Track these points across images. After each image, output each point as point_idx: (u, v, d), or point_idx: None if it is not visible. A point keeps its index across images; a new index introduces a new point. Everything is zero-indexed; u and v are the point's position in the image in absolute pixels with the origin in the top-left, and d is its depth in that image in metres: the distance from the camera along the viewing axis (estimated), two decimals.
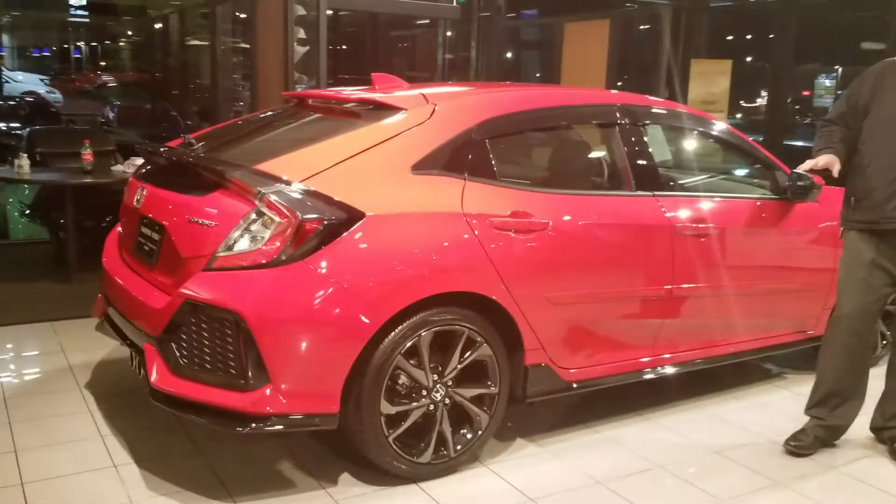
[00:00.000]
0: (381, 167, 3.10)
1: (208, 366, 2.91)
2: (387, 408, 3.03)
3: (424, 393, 3.12)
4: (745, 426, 3.83)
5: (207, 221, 2.96)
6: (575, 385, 3.51)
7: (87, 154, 5.63)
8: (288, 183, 2.92)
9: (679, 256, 3.66)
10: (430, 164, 3.16)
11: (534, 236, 3.26)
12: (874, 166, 3.38)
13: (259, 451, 3.36)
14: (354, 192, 2.96)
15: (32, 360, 4.32)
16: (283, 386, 2.84)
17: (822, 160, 3.44)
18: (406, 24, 8.55)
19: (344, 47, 11.59)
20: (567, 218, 3.36)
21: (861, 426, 3.66)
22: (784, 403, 4.13)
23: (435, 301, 3.05)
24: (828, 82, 14.83)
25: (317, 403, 2.92)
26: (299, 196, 2.89)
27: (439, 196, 3.14)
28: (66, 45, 24.32)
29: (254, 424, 2.85)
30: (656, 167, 3.77)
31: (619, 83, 7.74)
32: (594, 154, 3.74)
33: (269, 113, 4.01)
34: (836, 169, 3.45)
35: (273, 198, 2.86)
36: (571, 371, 3.48)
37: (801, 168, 3.59)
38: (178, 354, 2.96)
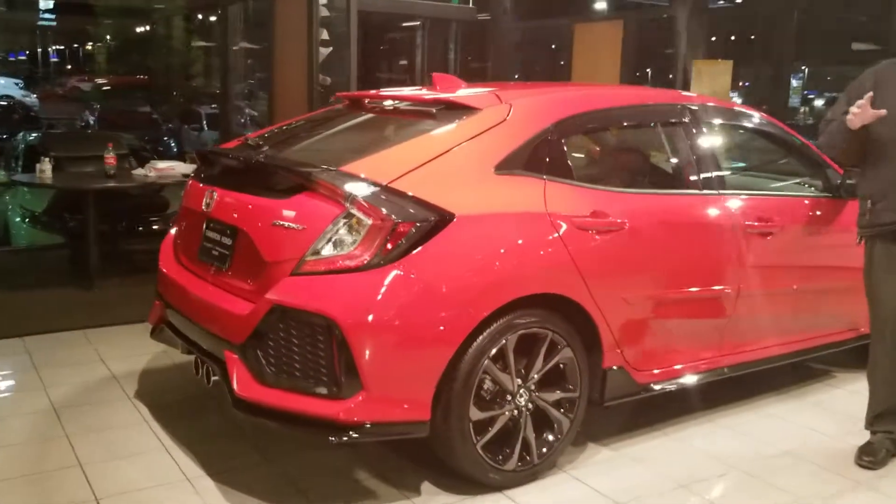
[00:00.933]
0: (466, 167, 3.04)
1: (297, 373, 2.82)
2: (475, 414, 2.97)
3: (509, 398, 3.06)
4: (807, 425, 3.82)
5: (293, 224, 2.88)
6: (648, 387, 3.48)
7: (111, 158, 5.48)
8: (376, 184, 2.85)
9: (746, 255, 3.66)
10: (511, 163, 3.11)
11: (612, 236, 3.23)
12: (886, 167, 3.28)
13: (332, 460, 3.28)
14: (442, 193, 2.90)
15: (74, 371, 4.18)
16: (376, 393, 2.76)
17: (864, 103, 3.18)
18: (414, 26, 8.51)
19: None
20: (641, 217, 3.33)
21: None
22: (838, 402, 4.14)
23: (521, 303, 3.00)
24: (795, 82, 15.12)
25: (409, 411, 2.85)
26: (390, 198, 2.83)
27: (523, 196, 3.09)
28: (46, 48, 23.89)
29: (350, 433, 2.77)
30: (721, 166, 3.75)
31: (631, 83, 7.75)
32: (663, 153, 3.72)
33: (326, 113, 3.92)
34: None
35: (364, 200, 2.79)
36: (645, 373, 3.45)
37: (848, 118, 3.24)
38: (263, 362, 2.88)
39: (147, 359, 4.34)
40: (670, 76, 8.01)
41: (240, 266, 3.11)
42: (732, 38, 9.95)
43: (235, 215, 3.15)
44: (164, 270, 3.58)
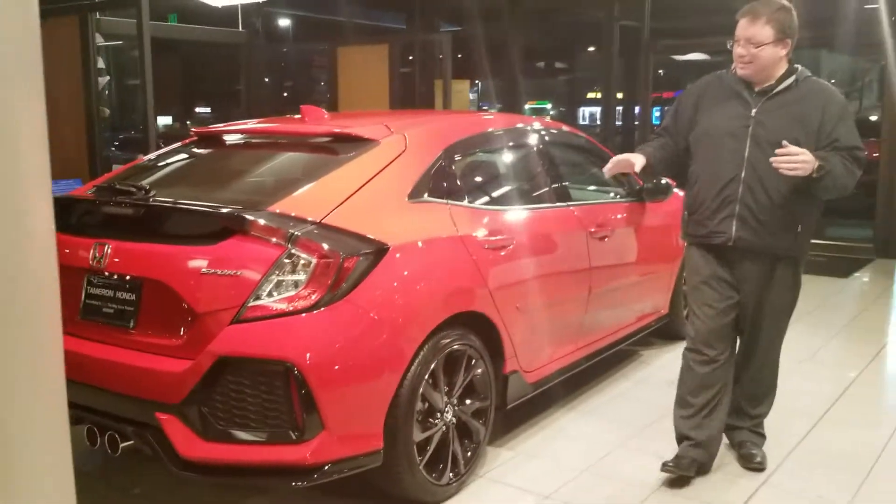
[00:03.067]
0: (385, 198, 3.13)
1: (252, 423, 2.73)
2: (418, 435, 3.07)
3: (439, 415, 3.20)
4: (643, 399, 4.38)
5: (227, 271, 2.76)
6: (537, 385, 3.80)
7: None
8: (312, 222, 2.84)
9: (593, 258, 4.12)
10: (419, 191, 3.25)
11: (506, 252, 3.49)
12: (702, 180, 3.35)
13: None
14: (372, 225, 2.97)
15: None
16: (336, 431, 2.76)
17: (621, 157, 3.45)
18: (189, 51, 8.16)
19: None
20: (523, 232, 3.64)
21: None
22: (656, 376, 4.78)
23: (445, 324, 3.15)
24: (472, 96, 16.62)
25: (365, 443, 2.89)
26: (330, 234, 2.83)
27: (437, 222, 3.24)
28: None
29: (313, 476, 2.73)
30: (566, 180, 4.19)
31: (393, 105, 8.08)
32: (531, 171, 4.05)
33: (193, 148, 3.71)
34: (638, 164, 3.40)
35: (307, 238, 2.77)
36: (533, 373, 3.76)
37: (606, 168, 3.53)
38: (210, 418, 2.73)
39: None
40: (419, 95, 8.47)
41: (153, 321, 2.90)
42: (459, 55, 10.78)
43: (142, 267, 2.92)
44: None
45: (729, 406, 3.52)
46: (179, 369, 2.75)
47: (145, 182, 3.30)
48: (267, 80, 8.53)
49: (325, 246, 2.78)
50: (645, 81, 9.98)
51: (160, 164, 3.65)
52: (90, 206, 3.25)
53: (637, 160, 3.43)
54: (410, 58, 7.88)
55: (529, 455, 3.70)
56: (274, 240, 2.77)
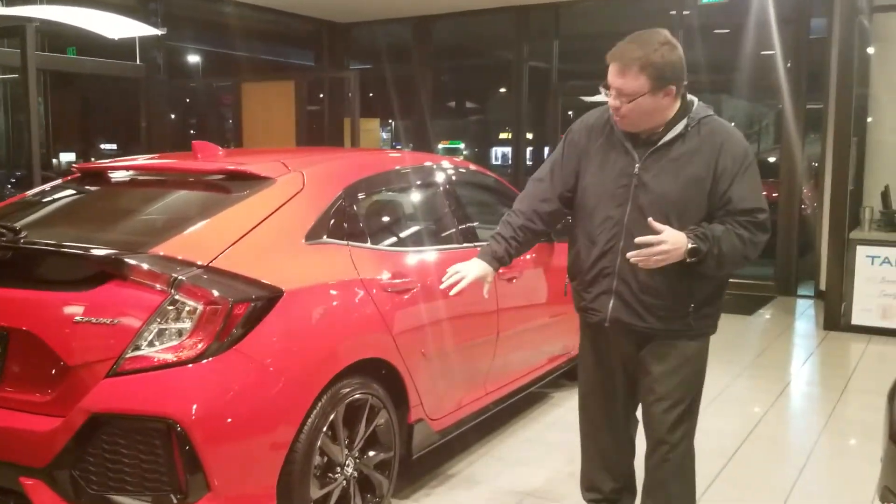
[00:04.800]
0: (279, 240, 2.95)
1: (130, 487, 2.49)
2: (315, 492, 2.87)
3: (338, 469, 3.01)
4: (558, 443, 4.28)
5: (102, 319, 2.53)
6: (444, 433, 3.64)
7: None
8: (198, 266, 2.64)
9: (501, 300, 4.02)
10: (318, 232, 3.09)
11: (409, 295, 3.36)
12: (580, 243, 2.81)
13: None
14: (264, 269, 2.79)
15: None
16: (224, 492, 2.55)
17: (461, 273, 2.87)
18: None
19: None
20: (427, 274, 3.51)
21: None
22: (568, 418, 4.69)
23: (345, 373, 2.98)
24: (385, 135, 16.63)
25: (256, 501, 2.67)
26: (217, 279, 2.64)
27: (336, 264, 3.08)
28: None
29: None
30: (471, 220, 4.09)
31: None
32: (437, 211, 3.93)
33: (72, 187, 3.45)
34: (489, 278, 2.91)
35: (191, 283, 2.56)
36: (439, 421, 3.61)
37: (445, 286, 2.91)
38: (81, 481, 2.48)
39: None
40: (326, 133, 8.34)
41: (20, 375, 2.65)
42: (370, 94, 10.71)
43: (6, 316, 2.66)
44: None
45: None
46: (47, 428, 2.50)
47: (17, 222, 3.04)
48: (171, 116, 8.24)
49: (213, 291, 2.58)
50: (554, 122, 10.10)
51: (37, 202, 3.39)
52: None
53: (484, 273, 2.88)
54: (319, 95, 7.74)
55: None
56: (156, 285, 2.56)
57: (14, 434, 2.54)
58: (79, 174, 3.57)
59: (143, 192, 3.37)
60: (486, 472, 3.91)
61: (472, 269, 2.88)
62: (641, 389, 2.85)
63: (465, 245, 3.89)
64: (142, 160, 3.55)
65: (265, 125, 7.49)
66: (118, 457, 2.48)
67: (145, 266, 2.57)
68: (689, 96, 2.69)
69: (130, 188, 3.42)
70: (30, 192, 3.58)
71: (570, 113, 10.38)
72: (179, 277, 2.56)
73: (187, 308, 2.56)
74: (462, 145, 20.74)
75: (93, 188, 3.41)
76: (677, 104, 2.64)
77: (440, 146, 17.48)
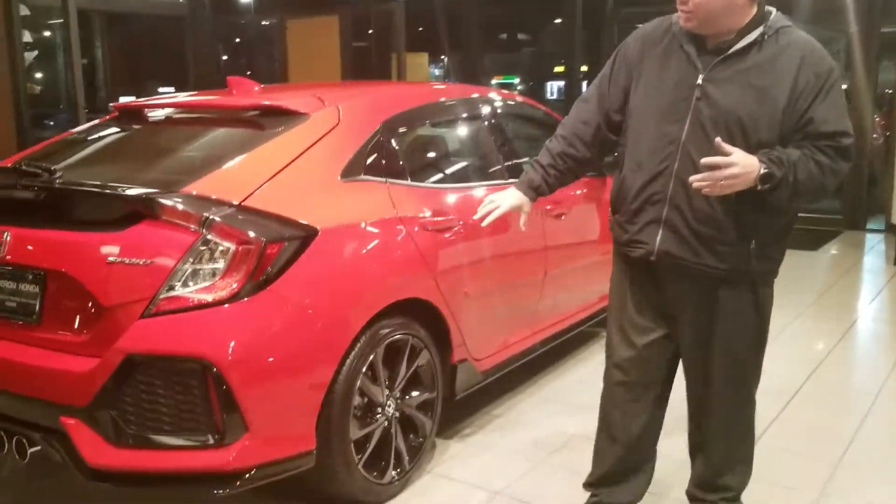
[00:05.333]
0: (314, 177, 2.87)
1: (167, 427, 2.48)
2: (355, 433, 2.84)
3: (380, 410, 2.97)
4: None
5: (136, 260, 2.50)
6: (488, 374, 3.58)
7: None
8: (231, 204, 2.58)
9: (548, 238, 3.89)
10: (354, 169, 2.99)
11: (451, 233, 3.26)
12: (626, 170, 2.48)
13: None
14: (299, 207, 2.71)
15: None
16: (261, 432, 2.52)
17: (495, 202, 2.64)
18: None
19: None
20: (470, 212, 3.35)
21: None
22: None
23: (384, 313, 2.91)
24: (437, 71, 16.28)
25: (294, 444, 2.65)
26: (251, 218, 2.57)
27: (373, 202, 2.99)
28: None
29: (237, 482, 2.50)
30: (519, 155, 3.94)
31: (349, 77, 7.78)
32: (481, 146, 3.80)
33: (110, 125, 3.42)
34: (526, 208, 2.65)
35: (224, 223, 2.50)
36: (483, 361, 3.54)
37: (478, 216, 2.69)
38: (120, 422, 2.48)
39: None
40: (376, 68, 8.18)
41: (58, 316, 2.64)
42: (420, 29, 10.45)
43: (45, 257, 2.65)
44: None
45: (692, 472, 2.74)
46: (85, 369, 2.49)
47: (54, 162, 3.02)
48: (221, 54, 8.18)
49: (245, 231, 2.52)
50: (610, 52, 9.73)
51: (75, 142, 3.36)
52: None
53: (520, 203, 2.64)
54: (367, 31, 7.57)
55: (481, 447, 3.49)
56: (188, 225, 2.51)
57: (55, 374, 2.55)
58: (117, 113, 3.53)
59: (177, 130, 3.31)
60: (533, 413, 3.85)
61: (506, 198, 2.65)
62: (690, 348, 2.52)
63: (511, 181, 3.75)
64: (177, 98, 3.47)
65: (310, 62, 7.37)
66: (155, 397, 2.46)
67: (177, 205, 2.52)
68: (767, 7, 2.34)
69: (165, 126, 3.36)
70: (67, 133, 3.55)
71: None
72: (211, 217, 2.50)
73: (220, 248, 2.50)
74: (517, 80, 20.33)
75: (129, 127, 3.36)
76: (753, 9, 2.29)
77: (493, 81, 17.15)
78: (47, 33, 7.11)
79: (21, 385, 2.65)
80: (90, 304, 2.54)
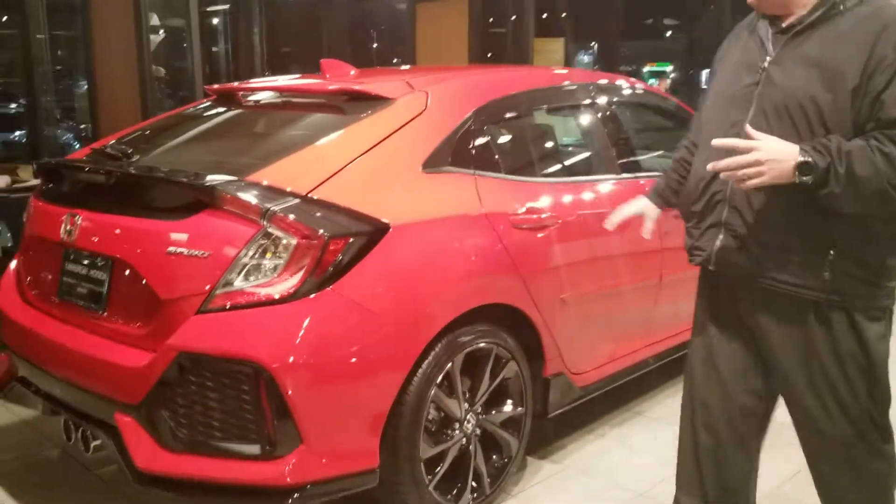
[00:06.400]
0: (392, 168, 2.62)
1: (218, 434, 2.31)
2: (426, 451, 2.58)
3: (457, 426, 2.70)
4: None
5: (194, 251, 2.34)
6: (588, 390, 3.23)
7: None
8: (296, 195, 2.37)
9: (666, 240, 3.48)
10: (439, 159, 2.72)
11: (547, 232, 2.93)
12: (694, 166, 2.16)
13: None
14: (371, 200, 2.47)
15: None
16: (318, 446, 2.31)
17: (626, 210, 2.50)
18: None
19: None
20: (572, 209, 3.07)
21: None
22: None
23: (464, 319, 2.63)
24: (585, 58, 15.60)
25: (356, 459, 2.42)
26: (315, 210, 2.36)
27: (457, 196, 2.72)
28: None
29: (289, 500, 2.29)
30: (634, 147, 3.56)
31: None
32: (586, 137, 3.46)
33: (197, 110, 3.33)
34: (650, 216, 2.47)
35: (285, 215, 2.30)
36: (583, 376, 3.20)
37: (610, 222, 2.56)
38: (171, 424, 2.33)
39: None
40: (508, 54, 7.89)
41: (122, 305, 2.53)
42: (544, 15, 10.02)
43: (111, 243, 2.55)
44: (9, 314, 2.89)
45: None
46: (139, 365, 2.36)
47: (137, 145, 2.93)
48: (359, 38, 8.12)
49: (307, 224, 2.31)
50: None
51: (165, 125, 3.28)
52: (72, 171, 2.91)
53: (644, 208, 2.47)
54: (496, 15, 7.28)
55: (578, 470, 3.15)
56: (249, 216, 2.32)
57: (112, 367, 2.44)
58: (213, 95, 3.43)
59: (261, 115, 3.17)
60: (639, 434, 3.46)
61: (633, 203, 2.50)
62: (786, 388, 2.08)
63: (622, 176, 3.38)
64: (270, 81, 3.32)
65: (439, 48, 7.16)
66: (206, 401, 2.30)
67: (237, 195, 2.33)
68: None
69: (252, 110, 3.22)
70: (162, 116, 3.49)
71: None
72: (272, 208, 2.30)
73: (282, 242, 2.30)
74: (669, 68, 19.37)
75: (218, 111, 3.24)
76: None
77: (645, 69, 16.36)
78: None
79: (83, 376, 2.56)
80: (149, 296, 2.40)
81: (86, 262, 2.64)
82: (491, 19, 7.67)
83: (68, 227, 2.66)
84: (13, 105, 8.39)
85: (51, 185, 2.95)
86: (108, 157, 2.85)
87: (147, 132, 3.19)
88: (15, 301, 2.92)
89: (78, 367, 2.58)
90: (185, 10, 4.82)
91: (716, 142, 1.86)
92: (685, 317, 3.72)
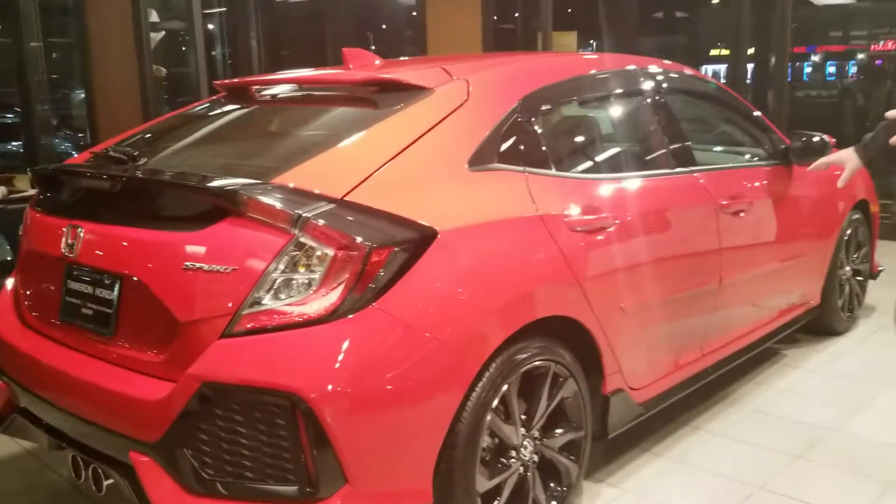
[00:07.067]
0: (435, 166, 2.32)
1: (250, 474, 2.01)
2: (482, 484, 2.29)
3: (513, 454, 2.40)
4: (793, 417, 3.43)
5: (216, 266, 2.04)
6: (647, 406, 2.93)
7: None
8: (330, 199, 2.07)
9: (724, 239, 3.19)
10: (485, 156, 2.43)
11: (605, 234, 2.64)
12: None
13: None
14: (414, 203, 2.18)
15: None
16: (365, 486, 2.01)
17: (831, 157, 2.77)
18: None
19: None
20: (630, 207, 2.77)
21: None
22: (802, 384, 3.80)
23: (519, 335, 2.33)
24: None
25: (408, 499, 2.12)
26: (354, 216, 2.06)
27: (508, 196, 2.42)
28: None
29: None
30: (688, 139, 3.26)
31: None
32: (642, 128, 3.15)
33: (207, 108, 3.03)
34: (849, 167, 2.71)
35: (320, 222, 2.00)
36: (642, 391, 2.90)
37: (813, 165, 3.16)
38: (195, 464, 2.03)
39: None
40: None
41: (134, 328, 2.23)
42: (569, 10, 9.77)
43: (119, 258, 2.25)
44: (6, 338, 2.59)
45: None
46: (159, 396, 2.06)
47: (144, 148, 2.63)
48: (354, 32, 7.84)
49: (346, 233, 2.01)
50: (782, 31, 8.67)
51: (172, 125, 2.97)
52: (71, 178, 2.60)
53: (847, 157, 2.68)
54: (510, 9, 7.00)
55: (639, 495, 2.85)
56: (277, 224, 2.03)
57: (125, 400, 2.14)
58: (223, 92, 3.13)
59: (281, 111, 2.86)
60: (701, 452, 3.16)
61: (840, 153, 2.70)
62: None
63: (678, 170, 3.09)
64: (287, 74, 3.02)
65: (451, 43, 6.87)
66: (235, 437, 1.99)
67: (264, 200, 2.03)
68: None
69: (269, 106, 2.92)
70: (168, 115, 3.18)
71: (793, 25, 8.88)
72: (304, 215, 2.00)
73: (316, 254, 2.00)
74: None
75: (230, 108, 2.94)
76: None
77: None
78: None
79: (92, 409, 2.26)
80: (165, 318, 2.11)
81: (91, 279, 2.34)
82: (501, 14, 7.39)
83: (69, 241, 2.36)
84: (9, 115, 8.10)
85: (49, 194, 2.65)
86: (112, 160, 2.54)
87: (152, 133, 2.89)
88: (13, 323, 2.63)
89: (85, 399, 2.28)
90: (188, 7, 4.52)
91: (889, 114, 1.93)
92: (740, 323, 3.46)
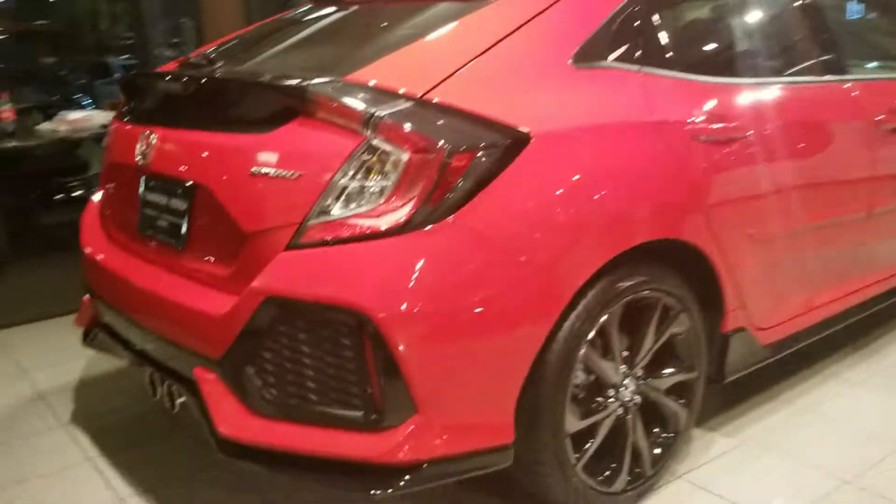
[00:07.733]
0: (533, 62, 2.03)
1: (313, 396, 1.84)
2: (572, 424, 2.04)
3: (612, 393, 2.14)
4: None
5: (282, 172, 1.86)
6: (775, 348, 2.59)
7: (7, 111, 4.28)
8: (408, 97, 1.84)
9: (879, 162, 2.75)
10: (594, 51, 2.11)
11: (735, 147, 2.28)
12: None
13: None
14: (505, 103, 1.91)
15: None
16: (436, 416, 1.81)
17: None
18: None
19: None
20: (766, 118, 2.39)
21: None
22: None
23: (624, 259, 2.04)
24: None
25: (485, 434, 1.91)
26: (434, 116, 1.82)
27: (619, 98, 2.11)
28: None
29: (401, 481, 1.81)
30: (840, 45, 2.80)
31: None
32: (782, 27, 2.73)
33: (294, 15, 2.84)
34: None
35: (396, 122, 1.77)
36: (769, 331, 2.55)
37: None
38: (258, 383, 1.89)
39: (81, 365, 3.29)
40: None
41: (203, 240, 2.10)
42: None
43: (188, 165, 2.10)
44: (91, 254, 2.53)
45: None
46: (221, 310, 1.92)
47: (226, 54, 2.48)
48: None
49: (423, 134, 1.77)
50: None
51: (257, 32, 2.80)
52: (149, 84, 2.48)
53: None
54: None
55: (759, 446, 2.53)
56: (348, 125, 1.81)
57: (193, 314, 2.01)
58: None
59: (371, 11, 2.61)
60: (835, 401, 2.80)
61: None
62: None
63: (825, 77, 2.66)
64: None
65: None
66: (298, 356, 1.83)
67: (333, 98, 1.82)
68: None
69: (359, 7, 2.68)
70: (261, 22, 3.01)
71: None
72: (377, 114, 1.77)
73: (390, 158, 1.78)
74: None
75: (322, 12, 2.72)
76: None
77: None
78: None
79: (164, 323, 2.16)
80: (231, 228, 1.95)
81: (163, 189, 2.22)
82: None
83: (143, 149, 2.24)
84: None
85: (132, 104, 2.54)
86: (191, 66, 2.40)
87: (239, 40, 2.72)
88: (97, 238, 2.57)
89: (158, 313, 2.18)
90: None
91: None
92: (888, 261, 3.02)
